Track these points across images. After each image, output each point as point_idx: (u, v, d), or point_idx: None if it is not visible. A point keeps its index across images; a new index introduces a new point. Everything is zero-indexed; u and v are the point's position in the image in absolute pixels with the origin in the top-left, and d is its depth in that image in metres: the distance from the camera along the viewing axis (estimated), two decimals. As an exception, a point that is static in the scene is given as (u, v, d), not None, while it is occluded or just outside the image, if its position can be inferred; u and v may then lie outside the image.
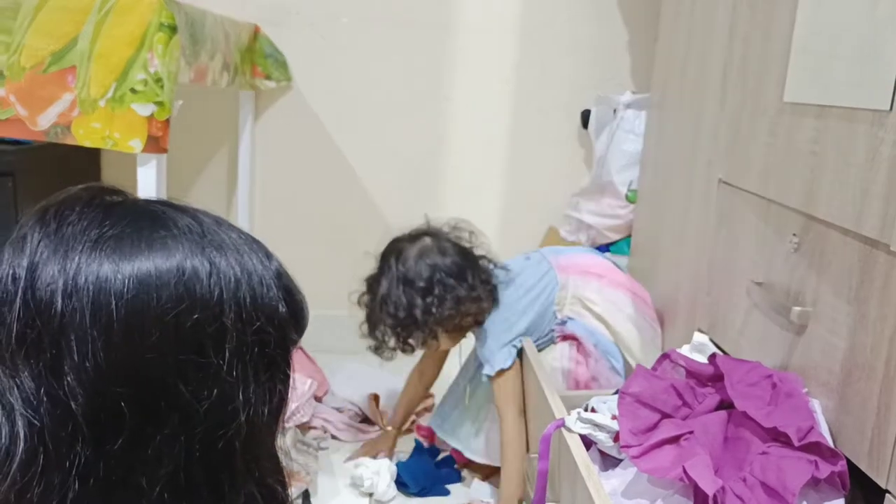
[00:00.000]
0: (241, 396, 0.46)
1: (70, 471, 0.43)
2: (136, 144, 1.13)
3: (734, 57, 1.19)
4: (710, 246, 1.23)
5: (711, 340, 1.09)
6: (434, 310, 1.27)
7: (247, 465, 0.48)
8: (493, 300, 1.34)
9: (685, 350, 1.07)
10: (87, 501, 0.43)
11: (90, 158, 1.85)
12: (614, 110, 1.73)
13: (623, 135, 1.69)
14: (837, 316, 0.86)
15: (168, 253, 0.45)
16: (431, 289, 1.28)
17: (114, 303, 0.43)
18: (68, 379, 0.42)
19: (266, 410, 0.48)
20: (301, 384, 1.50)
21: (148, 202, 0.50)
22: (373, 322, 1.33)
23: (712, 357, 0.96)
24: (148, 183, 1.15)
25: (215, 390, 0.45)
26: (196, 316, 0.45)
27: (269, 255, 0.51)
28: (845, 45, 0.87)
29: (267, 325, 0.48)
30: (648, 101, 1.65)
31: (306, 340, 1.14)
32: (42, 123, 1.15)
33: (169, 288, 0.44)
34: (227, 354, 0.46)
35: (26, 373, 0.43)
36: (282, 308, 0.50)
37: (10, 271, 0.44)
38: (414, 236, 1.34)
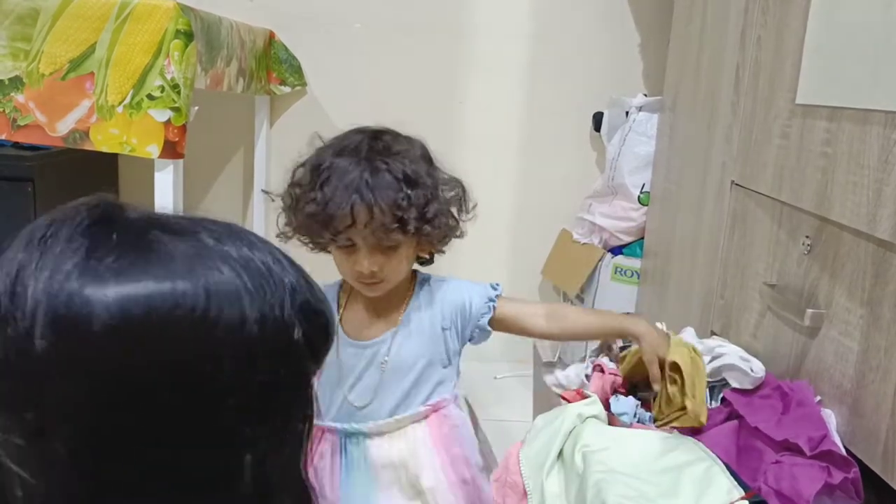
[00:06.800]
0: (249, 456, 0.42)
1: None
2: (153, 150, 1.14)
3: (746, 59, 1.19)
4: (723, 248, 1.23)
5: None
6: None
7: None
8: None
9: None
10: None
11: (108, 164, 1.87)
12: (626, 113, 1.73)
13: (635, 137, 1.69)
14: (851, 318, 0.86)
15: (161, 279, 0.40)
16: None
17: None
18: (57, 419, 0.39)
19: (284, 454, 0.44)
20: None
21: (141, 228, 0.42)
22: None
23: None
24: (165, 188, 1.17)
25: (220, 448, 0.41)
26: (191, 357, 0.40)
27: (290, 263, 0.44)
28: (858, 46, 0.87)
29: (277, 363, 0.42)
30: (661, 104, 1.64)
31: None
32: (61, 129, 1.17)
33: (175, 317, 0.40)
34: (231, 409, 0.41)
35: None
36: (296, 334, 0.42)
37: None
38: None
